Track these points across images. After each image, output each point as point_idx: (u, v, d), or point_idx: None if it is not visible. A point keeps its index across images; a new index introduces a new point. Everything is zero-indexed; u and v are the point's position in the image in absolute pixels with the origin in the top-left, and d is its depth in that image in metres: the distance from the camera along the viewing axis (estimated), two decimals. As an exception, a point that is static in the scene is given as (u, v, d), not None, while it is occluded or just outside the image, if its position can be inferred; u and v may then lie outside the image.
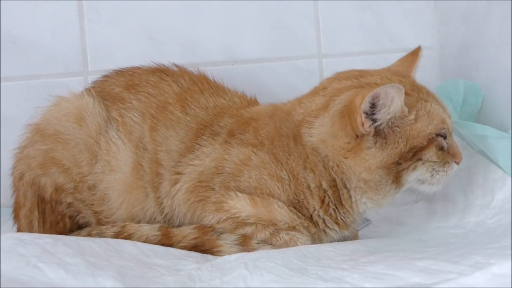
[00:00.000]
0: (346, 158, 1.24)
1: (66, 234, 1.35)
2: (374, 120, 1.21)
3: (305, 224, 1.28)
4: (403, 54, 1.79)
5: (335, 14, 1.80)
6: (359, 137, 1.22)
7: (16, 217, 1.40)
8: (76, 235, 1.33)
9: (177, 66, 1.45)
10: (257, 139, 1.30)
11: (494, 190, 1.45)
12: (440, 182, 1.27)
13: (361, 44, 1.82)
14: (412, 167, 1.24)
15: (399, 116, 1.22)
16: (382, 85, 1.21)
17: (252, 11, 1.77)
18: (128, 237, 1.28)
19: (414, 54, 1.42)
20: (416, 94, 1.26)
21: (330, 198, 1.27)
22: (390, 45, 1.82)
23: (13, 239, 1.07)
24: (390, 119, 1.22)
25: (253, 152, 1.29)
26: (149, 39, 1.73)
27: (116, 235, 1.29)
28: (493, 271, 0.81)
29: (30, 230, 1.36)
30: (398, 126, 1.23)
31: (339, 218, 1.29)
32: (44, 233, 1.35)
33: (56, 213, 1.36)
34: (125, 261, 1.11)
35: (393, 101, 1.19)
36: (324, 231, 1.29)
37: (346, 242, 1.30)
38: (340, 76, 1.34)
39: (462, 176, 1.54)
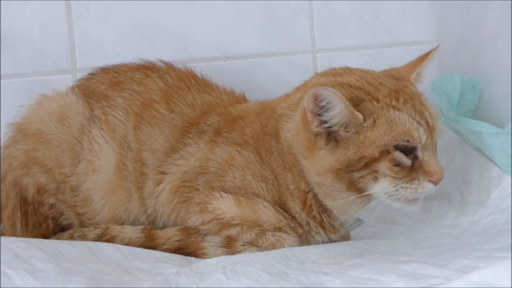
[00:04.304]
0: (305, 158, 1.18)
1: (49, 236, 1.32)
2: (325, 122, 1.14)
3: (292, 225, 1.23)
4: (400, 48, 1.75)
5: (330, 8, 1.74)
6: (316, 136, 1.16)
7: (-1, 218, 1.37)
8: (58, 238, 1.30)
9: (164, 62, 1.41)
10: (242, 138, 1.26)
11: (490, 188, 1.41)
12: (409, 199, 1.15)
13: (357, 38, 1.76)
14: (370, 177, 1.14)
15: (352, 121, 1.13)
16: (356, 86, 1.16)
17: (245, 6, 1.71)
18: (111, 239, 1.25)
19: (426, 54, 1.28)
20: (388, 101, 1.15)
21: (312, 200, 1.22)
22: (386, 39, 1.76)
23: (-16, 244, 1.03)
24: (343, 122, 1.13)
25: (237, 151, 1.24)
26: (140, 35, 1.67)
27: (99, 237, 1.26)
28: (472, 279, 0.76)
29: (13, 232, 1.32)
30: (353, 132, 1.14)
31: (325, 221, 1.24)
32: (27, 235, 1.31)
33: (39, 214, 1.32)
34: (102, 265, 1.07)
35: (335, 104, 1.11)
36: (310, 233, 1.24)
37: (334, 243, 1.25)
38: (323, 73, 1.29)
39: (458, 173, 1.50)
